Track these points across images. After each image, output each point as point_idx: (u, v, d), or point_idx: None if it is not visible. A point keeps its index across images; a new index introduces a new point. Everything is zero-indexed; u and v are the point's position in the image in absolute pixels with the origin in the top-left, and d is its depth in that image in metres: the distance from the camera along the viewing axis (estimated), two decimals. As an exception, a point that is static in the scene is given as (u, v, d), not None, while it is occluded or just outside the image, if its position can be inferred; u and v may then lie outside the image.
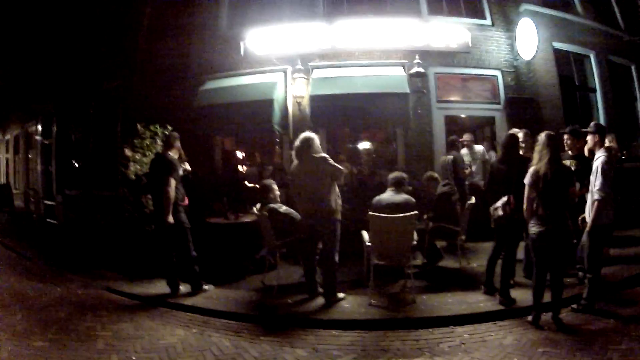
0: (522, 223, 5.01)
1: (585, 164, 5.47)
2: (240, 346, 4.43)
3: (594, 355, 4.05)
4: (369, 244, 5.67)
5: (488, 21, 9.96)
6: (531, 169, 4.68)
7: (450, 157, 8.04)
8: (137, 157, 7.59)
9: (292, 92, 9.27)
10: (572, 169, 5.52)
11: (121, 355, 4.19)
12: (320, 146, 5.65)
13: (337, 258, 5.51)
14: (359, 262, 6.32)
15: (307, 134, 5.61)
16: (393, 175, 6.17)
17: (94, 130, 11.62)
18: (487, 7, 10.03)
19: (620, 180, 6.64)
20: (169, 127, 7.62)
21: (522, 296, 5.23)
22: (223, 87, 9.37)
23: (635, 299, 5.44)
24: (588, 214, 5.04)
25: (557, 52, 10.31)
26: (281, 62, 9.39)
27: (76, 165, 12.35)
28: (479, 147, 9.02)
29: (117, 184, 8.41)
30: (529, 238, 4.88)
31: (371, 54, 9.39)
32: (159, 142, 7.67)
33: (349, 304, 5.39)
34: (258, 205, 6.46)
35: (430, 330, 4.76)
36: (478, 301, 5.35)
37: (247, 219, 7.01)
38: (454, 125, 9.70)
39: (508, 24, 9.95)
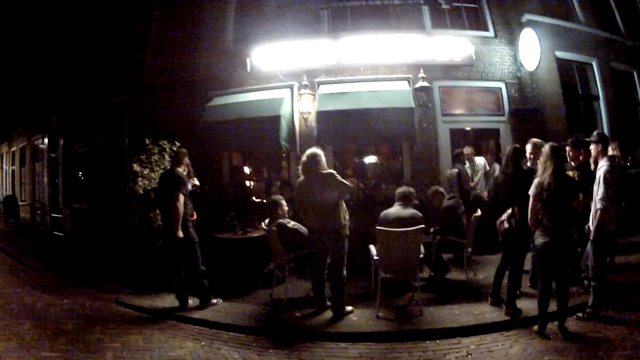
0: (529, 234, 5.03)
1: (587, 173, 5.54)
2: (249, 358, 4.50)
3: None
4: (377, 257, 5.72)
5: (491, 33, 10.05)
6: (535, 181, 4.74)
7: (455, 170, 8.13)
8: (145, 172, 7.66)
9: (298, 108, 9.35)
10: (575, 179, 5.60)
11: None
12: (326, 162, 5.70)
13: (345, 272, 5.55)
14: (366, 275, 6.40)
15: (314, 149, 5.65)
16: (401, 190, 6.23)
17: (100, 144, 11.70)
18: (489, 19, 10.13)
19: (624, 187, 6.64)
20: (177, 143, 7.70)
21: (528, 306, 5.27)
22: (230, 103, 9.45)
23: (635, 304, 5.50)
24: (592, 223, 5.09)
25: (559, 61, 10.35)
26: (287, 78, 9.47)
27: (82, 178, 12.45)
28: (479, 159, 9.07)
29: (125, 198, 8.48)
30: (534, 248, 4.91)
31: (376, 69, 9.46)
32: (166, 157, 7.75)
33: (357, 317, 5.42)
34: (267, 221, 6.53)
35: (437, 341, 4.80)
36: (484, 312, 5.40)
37: (255, 234, 7.09)
38: (459, 138, 9.73)
39: (511, 35, 10.02)
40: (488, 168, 8.79)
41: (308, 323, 5.37)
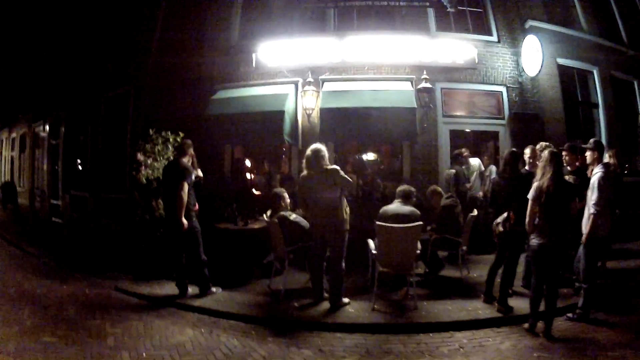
0: (523, 236, 5.20)
1: (583, 178, 5.63)
2: (248, 346, 4.57)
3: None
4: (375, 252, 5.83)
5: (494, 37, 10.11)
6: (535, 184, 4.83)
7: (453, 171, 8.24)
8: (148, 161, 7.70)
9: (302, 104, 9.43)
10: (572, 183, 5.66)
11: (132, 352, 4.30)
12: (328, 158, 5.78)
13: (343, 265, 5.65)
14: (363, 269, 6.53)
15: (318, 145, 5.72)
16: (402, 188, 6.33)
17: (102, 133, 11.76)
18: (493, 23, 10.19)
19: (619, 194, 6.79)
20: (181, 134, 7.74)
21: (519, 305, 5.39)
22: (234, 97, 9.50)
23: (631, 310, 5.62)
24: (584, 227, 5.20)
25: (561, 68, 10.43)
26: (292, 75, 9.54)
27: (82, 166, 12.49)
28: (474, 160, 9.15)
29: (126, 187, 8.54)
30: (530, 250, 5.02)
31: (380, 69, 9.53)
32: (170, 147, 7.79)
33: (354, 308, 5.54)
34: (269, 212, 6.63)
35: (431, 334, 4.93)
36: (477, 309, 5.53)
37: (255, 225, 7.17)
38: (458, 140, 9.80)
39: (513, 40, 10.09)
40: (483, 169, 8.86)
41: (306, 313, 5.47)
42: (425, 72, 9.18)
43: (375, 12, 10.09)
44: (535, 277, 4.93)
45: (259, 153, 10.61)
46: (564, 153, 6.31)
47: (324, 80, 9.46)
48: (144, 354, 4.26)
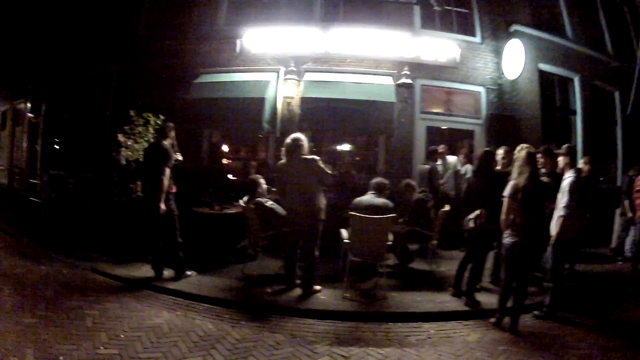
0: (493, 234, 5.36)
1: (557, 181, 5.72)
2: (222, 329, 4.66)
3: (553, 356, 4.42)
4: (347, 241, 5.92)
5: (478, 39, 10.30)
6: (511, 182, 4.93)
7: (427, 167, 8.32)
8: (128, 143, 7.76)
9: (282, 92, 9.56)
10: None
11: (110, 333, 4.33)
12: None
13: (317, 253, 5.78)
14: (335, 258, 6.58)
15: (298, 134, 5.79)
16: (375, 180, 6.41)
17: (83, 112, 11.67)
18: (478, 25, 10.38)
19: (592, 200, 7.01)
20: (161, 117, 7.79)
21: (486, 300, 5.55)
22: (216, 82, 9.52)
23: (598, 311, 5.81)
24: (553, 228, 5.33)
25: (542, 73, 10.65)
26: (275, 63, 9.63)
27: (62, 145, 12.38)
28: (452, 158, 9.21)
29: (105, 167, 8.51)
30: (503, 247, 5.08)
31: (362, 62, 9.66)
32: (150, 129, 7.83)
33: (325, 296, 5.65)
34: (245, 198, 6.71)
35: (400, 324, 5.05)
36: (445, 301, 5.67)
37: (232, 210, 7.22)
38: (434, 136, 9.93)
39: (497, 43, 10.27)
40: (459, 167, 9.00)
41: (278, 299, 5.57)
42: (406, 68, 9.36)
43: (362, 5, 10.21)
44: (505, 274, 5.06)
45: (237, 139, 10.70)
46: (539, 155, 6.35)
47: (306, 70, 9.59)
48: (122, 335, 4.29)
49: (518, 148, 5.95)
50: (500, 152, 6.10)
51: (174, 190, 6.27)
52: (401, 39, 9.64)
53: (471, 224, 5.61)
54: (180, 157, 6.53)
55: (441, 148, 8.94)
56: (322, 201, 5.79)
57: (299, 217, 5.68)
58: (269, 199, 6.74)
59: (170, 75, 10.01)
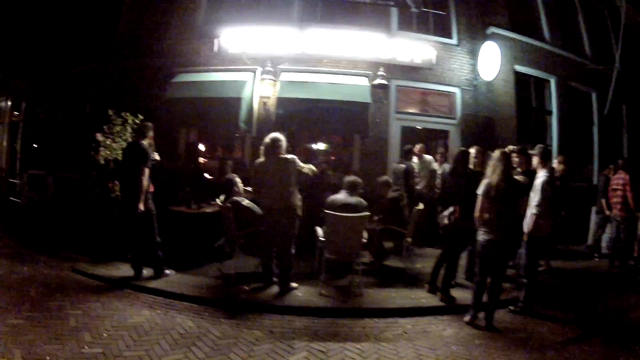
0: (468, 231, 5.46)
1: (532, 180, 5.87)
2: (202, 327, 4.78)
3: (529, 349, 4.59)
4: (323, 239, 6.05)
5: (454, 40, 10.49)
6: (485, 181, 5.06)
7: (403, 166, 8.43)
8: (107, 142, 7.77)
9: (259, 92, 9.65)
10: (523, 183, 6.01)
11: (93, 332, 4.41)
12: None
13: (293, 251, 5.93)
14: (311, 256, 6.70)
15: (277, 134, 5.90)
16: (349, 178, 6.52)
17: (63, 111, 11.62)
18: (455, 27, 10.57)
19: (567, 199, 7.28)
20: (140, 116, 7.84)
21: (462, 295, 5.74)
22: (194, 81, 9.56)
23: (573, 306, 6.04)
24: (526, 226, 5.55)
25: (518, 74, 10.86)
26: (252, 62, 9.68)
27: (41, 144, 12.25)
28: (428, 157, 9.33)
29: (84, 167, 8.52)
30: (477, 244, 5.19)
31: (338, 63, 9.78)
32: (129, 129, 7.87)
33: (302, 293, 5.80)
34: (222, 197, 6.85)
35: (376, 320, 5.22)
36: (421, 297, 5.84)
37: (209, 209, 7.34)
38: (409, 136, 10.03)
39: (473, 44, 10.47)
40: (435, 166, 9.18)
41: (256, 296, 5.70)
42: (382, 69, 9.53)
43: (339, 7, 10.29)
44: (480, 270, 5.17)
45: (213, 138, 10.77)
46: (514, 155, 6.58)
47: (282, 70, 9.67)
48: (105, 334, 4.38)
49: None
50: (472, 152, 6.23)
51: (151, 189, 6.30)
52: (377, 40, 9.79)
53: (446, 221, 5.79)
54: (157, 157, 6.58)
55: (417, 147, 9.06)
56: (298, 200, 5.92)
57: (276, 216, 5.78)
58: (245, 197, 6.85)
59: (149, 74, 10.04)
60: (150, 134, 6.43)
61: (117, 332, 4.46)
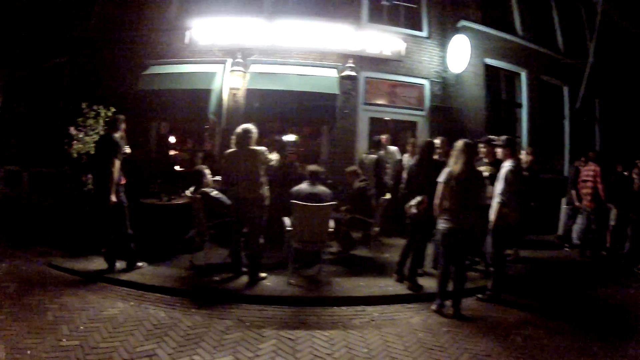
0: (434, 220, 5.48)
1: (499, 170, 6.00)
2: (174, 317, 4.93)
3: (497, 337, 4.74)
4: (290, 229, 6.21)
5: (424, 33, 10.72)
6: (446, 169, 5.21)
7: (375, 156, 8.61)
8: (80, 136, 7.84)
9: (229, 83, 9.80)
10: (488, 174, 6.25)
11: (70, 325, 4.54)
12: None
13: (262, 241, 6.07)
14: (279, 246, 6.92)
15: (248, 125, 6.01)
16: (310, 168, 6.72)
17: (37, 105, 11.63)
18: (425, 19, 10.81)
19: (536, 190, 7.52)
20: (112, 109, 7.91)
21: (429, 284, 5.91)
22: (165, 73, 9.65)
23: (541, 294, 6.28)
24: (491, 215, 5.69)
25: (488, 67, 11.13)
26: (223, 54, 9.82)
27: (16, 139, 12.22)
28: (393, 148, 9.48)
29: (57, 161, 8.58)
30: (439, 232, 5.31)
31: (308, 55, 9.94)
32: (101, 122, 7.94)
33: (271, 282, 5.96)
34: (192, 188, 7.00)
35: (344, 308, 5.39)
36: (388, 286, 6.02)
37: (179, 201, 7.43)
38: (378, 127, 10.23)
39: (443, 37, 10.70)
40: (399, 157, 9.26)
41: (226, 286, 5.86)
42: (351, 61, 9.72)
43: (311, -2, 10.42)
44: (443, 258, 5.33)
45: (184, 130, 10.90)
46: (481, 146, 6.88)
47: (252, 62, 9.89)
48: (82, 327, 4.49)
49: (441, 138, 6.29)
50: (437, 142, 6.41)
51: (123, 182, 6.42)
52: (347, 32, 9.95)
53: (413, 210, 5.90)
54: (128, 150, 6.65)
55: (383, 138, 9.31)
56: (266, 190, 6.06)
57: (244, 206, 5.93)
58: (214, 188, 7.02)
59: (121, 66, 10.06)
60: (122, 126, 6.51)
61: (93, 325, 4.59)
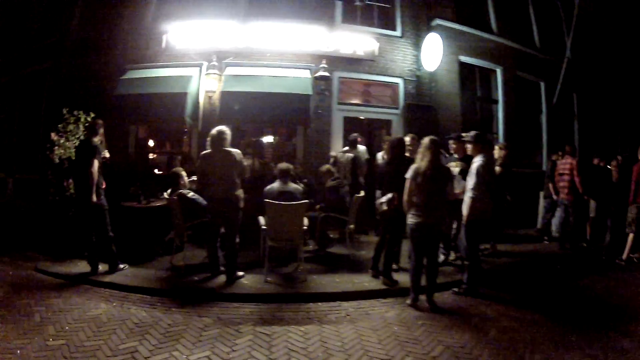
0: (405, 216, 5.58)
1: (470, 165, 6.09)
2: (155, 316, 5.10)
3: (472, 329, 4.84)
4: (265, 227, 6.37)
5: (398, 32, 10.96)
6: (413, 166, 5.35)
7: (352, 155, 8.80)
8: (61, 141, 7.97)
9: (205, 86, 10.01)
10: (458, 169, 6.47)
11: (56, 326, 4.71)
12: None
13: (238, 240, 6.21)
14: (256, 245, 7.07)
15: (223, 127, 6.14)
16: (281, 166, 6.91)
17: (19, 111, 11.78)
18: (399, 19, 11.05)
19: (509, 184, 7.67)
20: (92, 114, 8.05)
21: (405, 279, 5.91)
22: (142, 77, 9.83)
23: (517, 287, 6.44)
24: (464, 210, 5.81)
25: (463, 65, 11.40)
26: (198, 58, 10.03)
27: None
28: (362, 147, 9.48)
29: (39, 167, 8.76)
30: (408, 227, 5.42)
31: (282, 56, 10.21)
32: (81, 127, 8.06)
33: (248, 281, 6.12)
34: (169, 191, 7.17)
35: (320, 304, 5.55)
36: (364, 281, 6.17)
37: (158, 203, 7.59)
38: (353, 126, 10.43)
39: (417, 36, 10.95)
40: (367, 156, 9.35)
41: (205, 286, 6.04)
42: (325, 61, 9.95)
43: (284, 0, 10.64)
44: (414, 253, 5.44)
45: (162, 133, 11.10)
46: (450, 142, 7.10)
47: (227, 65, 10.15)
48: (67, 328, 4.66)
49: (410, 136, 6.41)
50: (407, 140, 6.62)
51: (104, 186, 6.57)
52: (320, 33, 10.21)
53: (384, 207, 5.99)
54: (107, 154, 6.90)
55: (357, 136, 9.45)
56: (241, 190, 6.20)
57: (220, 206, 6.07)
58: (191, 189, 7.14)
59: (100, 71, 10.21)
60: (101, 131, 6.67)
61: (78, 325, 4.75)
